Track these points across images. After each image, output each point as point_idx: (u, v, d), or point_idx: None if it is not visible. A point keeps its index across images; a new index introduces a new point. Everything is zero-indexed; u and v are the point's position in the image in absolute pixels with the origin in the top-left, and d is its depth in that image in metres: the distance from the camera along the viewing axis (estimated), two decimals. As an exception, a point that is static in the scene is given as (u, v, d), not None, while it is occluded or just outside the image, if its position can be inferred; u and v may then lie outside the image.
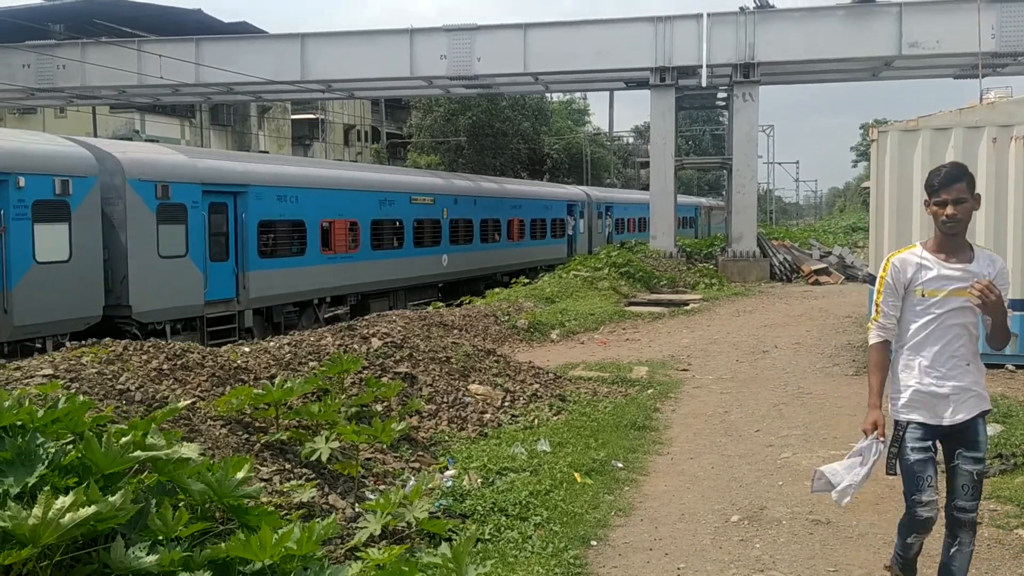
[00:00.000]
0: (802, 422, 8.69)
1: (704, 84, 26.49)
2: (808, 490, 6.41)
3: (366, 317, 11.29)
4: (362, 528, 4.99)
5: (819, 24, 24.83)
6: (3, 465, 3.17)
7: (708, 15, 25.32)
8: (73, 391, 5.26)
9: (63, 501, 2.95)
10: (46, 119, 41.31)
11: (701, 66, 25.30)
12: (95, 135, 32.89)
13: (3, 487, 3.06)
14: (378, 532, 4.70)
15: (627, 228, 41.51)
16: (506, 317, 15.56)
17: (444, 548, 3.91)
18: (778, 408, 9.38)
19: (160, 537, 3.47)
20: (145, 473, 4.06)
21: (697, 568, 5.12)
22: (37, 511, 2.95)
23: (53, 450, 3.43)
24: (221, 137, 48.87)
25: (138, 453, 3.64)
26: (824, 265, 26.14)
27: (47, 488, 3.36)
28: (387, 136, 59.55)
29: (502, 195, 29.64)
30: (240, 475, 4.09)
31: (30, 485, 3.19)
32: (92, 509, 3.01)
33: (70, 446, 3.74)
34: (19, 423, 3.53)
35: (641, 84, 27.78)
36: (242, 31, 33.96)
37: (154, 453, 3.72)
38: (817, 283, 24.31)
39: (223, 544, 3.56)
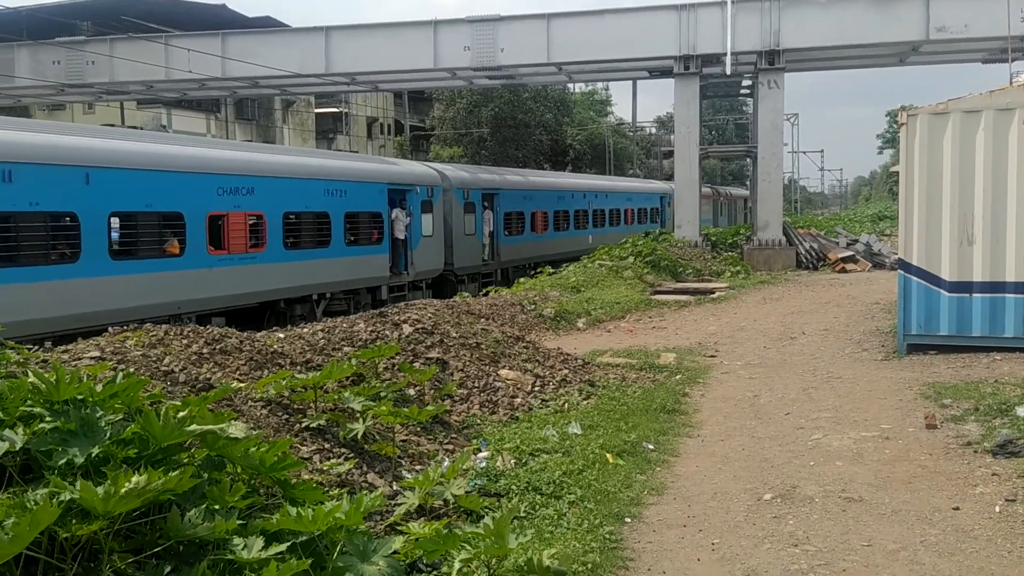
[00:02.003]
0: (832, 405, 8.71)
1: (728, 72, 26.30)
2: (840, 470, 6.49)
3: (397, 304, 11.40)
4: (401, 505, 5.11)
5: (845, 9, 24.60)
6: (68, 436, 3.30)
7: (732, 2, 25.17)
8: (120, 372, 5.42)
9: (137, 480, 3.08)
10: (75, 114, 41.89)
11: (726, 54, 25.14)
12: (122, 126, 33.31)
13: (68, 456, 3.19)
14: (415, 506, 4.80)
15: (532, 226, 28.60)
16: (532, 306, 15.65)
17: (487, 520, 4.02)
18: (807, 392, 9.40)
19: (215, 507, 3.60)
20: (194, 449, 4.21)
21: (731, 543, 5.19)
22: (108, 486, 3.08)
23: (112, 424, 3.57)
24: (246, 131, 49.30)
25: (193, 427, 3.78)
26: (851, 253, 25.96)
27: (111, 463, 3.52)
28: (410, 129, 59.77)
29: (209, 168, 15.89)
30: (282, 453, 4.24)
31: (93, 456, 3.33)
32: (159, 480, 3.14)
33: (126, 421, 3.89)
34: (79, 397, 3.66)
35: (665, 73, 27.71)
36: (266, 25, 34.22)
37: (208, 427, 3.85)
38: (844, 271, 24.16)
39: (276, 516, 3.69)
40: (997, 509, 5.56)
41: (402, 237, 20.85)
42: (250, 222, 16.24)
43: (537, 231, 29.08)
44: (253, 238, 16.33)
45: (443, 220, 22.88)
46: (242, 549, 3.43)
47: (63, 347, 6.16)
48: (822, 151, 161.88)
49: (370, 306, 18.66)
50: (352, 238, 19.20)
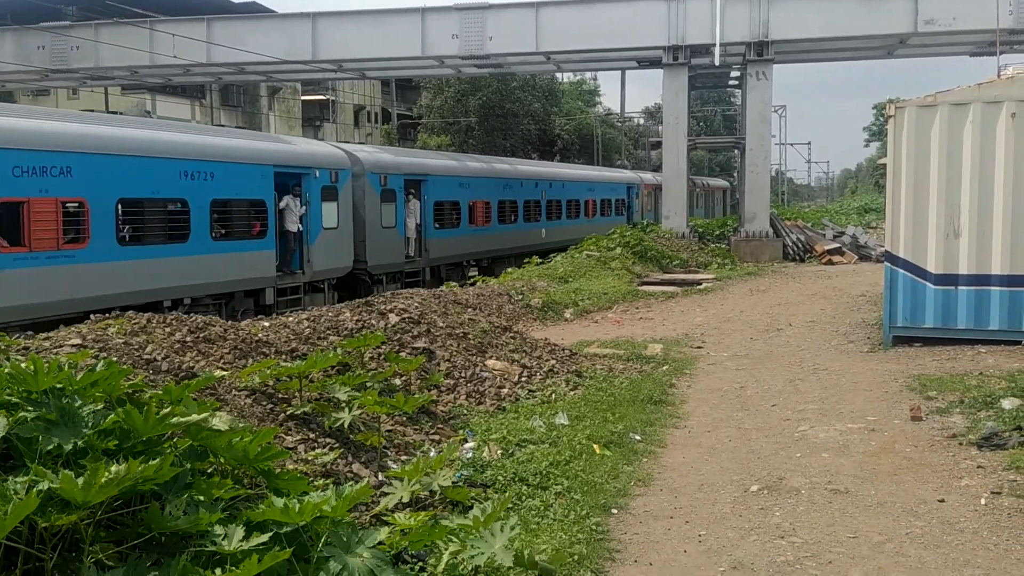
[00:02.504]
0: (818, 397, 8.73)
1: (717, 63, 26.29)
2: (826, 461, 6.50)
3: (383, 294, 11.34)
4: (387, 496, 5.07)
5: (834, 1, 24.56)
6: (48, 425, 3.24)
7: (721, -7, 25.12)
8: (101, 360, 5.35)
9: (116, 470, 3.02)
10: (59, 100, 41.44)
11: (714, 44, 25.10)
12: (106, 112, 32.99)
13: (51, 445, 3.13)
14: (407, 499, 4.76)
15: (471, 218, 25.03)
16: (520, 296, 15.61)
17: (476, 511, 3.98)
18: (794, 384, 9.42)
19: (199, 498, 3.55)
20: (176, 438, 4.15)
21: (718, 535, 5.18)
22: (88, 476, 3.03)
23: (92, 413, 3.51)
24: (231, 118, 48.93)
25: (175, 419, 3.72)
26: (837, 245, 26.05)
27: (91, 455, 3.47)
28: (397, 117, 59.49)
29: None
30: (267, 443, 4.19)
31: (75, 446, 3.27)
32: (137, 470, 3.09)
33: (106, 410, 3.83)
34: (59, 386, 3.60)
35: (653, 63, 27.63)
36: (252, 11, 33.92)
37: (190, 419, 3.79)
38: (830, 263, 24.24)
39: (260, 507, 3.65)
40: (982, 501, 5.58)
41: (295, 230, 17.44)
42: (66, 211, 13.00)
43: (477, 223, 25.09)
44: (70, 232, 13.10)
45: (352, 210, 19.30)
46: (223, 539, 3.38)
47: (44, 334, 6.08)
48: (809, 143, 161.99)
49: (252, 312, 15.83)
50: (222, 231, 15.80)
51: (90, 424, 3.39)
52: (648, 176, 43.95)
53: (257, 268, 16.45)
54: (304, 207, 17.59)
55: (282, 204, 17.17)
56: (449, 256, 23.89)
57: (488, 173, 26.57)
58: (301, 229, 17.61)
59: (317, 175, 18.05)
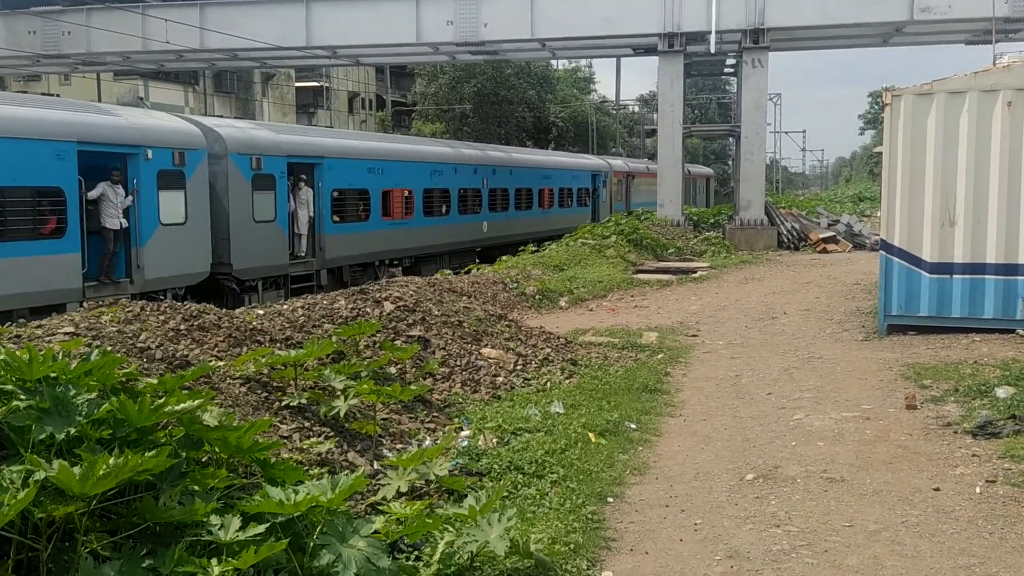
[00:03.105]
0: (813, 385, 8.74)
1: (713, 50, 26.19)
2: (822, 450, 6.51)
3: (379, 282, 11.30)
4: (383, 485, 5.06)
5: (830, -11, 24.52)
6: (42, 414, 3.21)
7: (718, -21, 25.01)
8: (95, 348, 5.31)
9: (114, 462, 3.00)
10: (51, 86, 41.15)
11: (710, 32, 25.01)
12: (99, 102, 32.77)
13: (45, 434, 3.11)
14: (405, 489, 4.75)
15: (385, 209, 20.80)
16: (515, 284, 15.59)
17: (471, 500, 3.97)
18: (789, 372, 9.43)
19: (194, 488, 3.53)
20: (171, 427, 4.13)
21: (714, 523, 5.19)
22: (86, 468, 3.00)
23: (86, 402, 3.48)
24: (225, 104, 48.67)
25: (169, 409, 3.70)
26: (832, 233, 26.06)
27: (85, 444, 3.44)
28: (392, 104, 59.25)
29: None
30: (260, 434, 4.17)
31: (69, 435, 3.25)
32: (136, 462, 3.06)
33: (100, 399, 3.80)
34: (52, 375, 3.57)
35: (649, 51, 27.53)
36: (246, -4, 33.62)
37: (184, 407, 3.76)
38: (825, 251, 24.26)
39: (256, 498, 3.63)
40: (977, 490, 5.59)
41: (116, 227, 13.50)
42: None
43: (394, 216, 20.99)
44: None
45: (210, 200, 15.38)
46: (219, 530, 3.36)
47: (37, 322, 6.04)
48: (804, 131, 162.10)
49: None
50: None
51: (84, 413, 3.36)
52: (618, 162, 39.88)
53: (49, 278, 12.43)
54: (131, 197, 13.76)
55: (94, 193, 13.29)
56: (355, 255, 19.54)
57: (409, 156, 22.29)
58: (125, 225, 13.66)
59: (150, 156, 14.02)
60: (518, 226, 27.73)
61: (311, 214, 18.08)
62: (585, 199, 33.90)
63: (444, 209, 23.56)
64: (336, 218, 18.95)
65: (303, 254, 17.95)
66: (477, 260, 23.60)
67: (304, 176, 18.02)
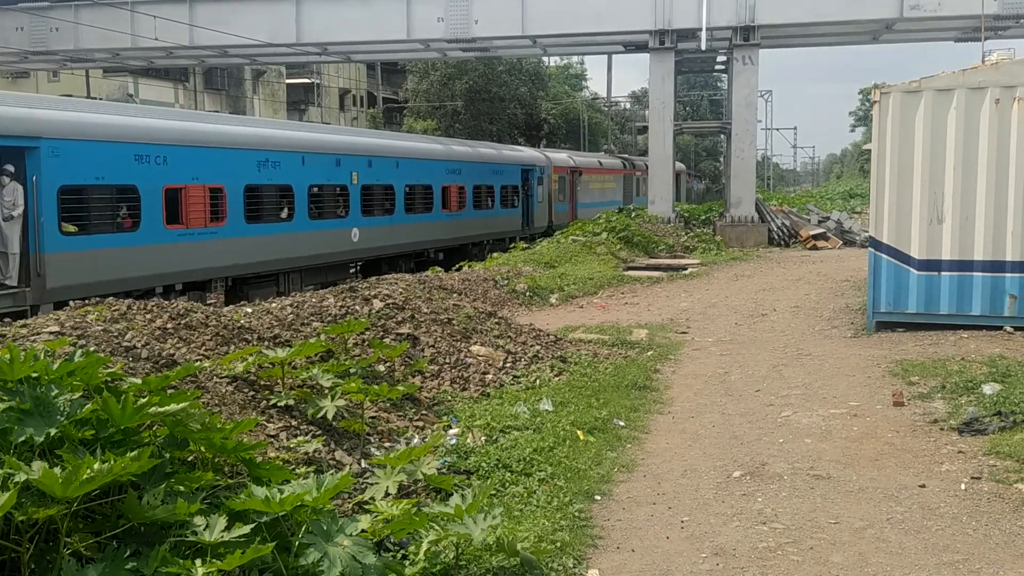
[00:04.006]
0: (801, 382, 8.77)
1: (704, 47, 26.23)
2: (809, 447, 6.53)
3: (368, 279, 11.27)
4: (371, 484, 5.05)
5: (820, -14, 24.56)
6: (22, 415, 3.20)
7: (708, -23, 25.02)
8: (80, 348, 5.29)
9: (99, 467, 2.99)
10: (39, 82, 40.93)
11: (701, 29, 25.02)
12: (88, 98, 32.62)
13: (25, 436, 3.09)
14: (394, 489, 4.74)
15: (174, 215, 14.88)
16: (505, 281, 15.59)
17: (456, 499, 3.97)
18: (777, 369, 9.45)
19: (179, 488, 3.52)
20: (156, 427, 4.11)
21: (700, 521, 5.20)
22: (70, 471, 2.99)
23: (69, 403, 3.46)
24: (215, 101, 48.50)
25: (153, 410, 3.68)
26: (822, 230, 26.14)
27: (67, 445, 3.42)
28: (383, 101, 59.13)
29: None
30: (245, 433, 4.16)
31: (50, 437, 3.23)
32: (118, 466, 3.05)
33: (83, 399, 3.79)
34: (34, 375, 3.55)
35: (640, 47, 27.55)
36: (236, -7, 33.48)
37: (168, 409, 3.75)
38: (815, 248, 24.33)
39: (241, 497, 3.62)
40: (962, 487, 5.62)
41: None
42: None
43: (189, 223, 15.02)
44: None
45: None
46: (204, 530, 3.35)
47: (22, 321, 6.00)
48: (795, 128, 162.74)
49: None
50: None
51: (66, 414, 3.34)
52: (560, 156, 34.14)
53: None
54: None
55: None
56: (109, 281, 13.28)
57: (216, 141, 15.90)
58: None
59: None
60: (411, 233, 21.99)
61: (23, 220, 12.42)
62: (513, 199, 28.19)
63: (285, 212, 17.58)
64: (71, 228, 13.08)
65: (7, 282, 12.39)
66: (351, 277, 19.04)
67: (10, 166, 12.46)
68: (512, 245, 23.82)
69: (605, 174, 37.52)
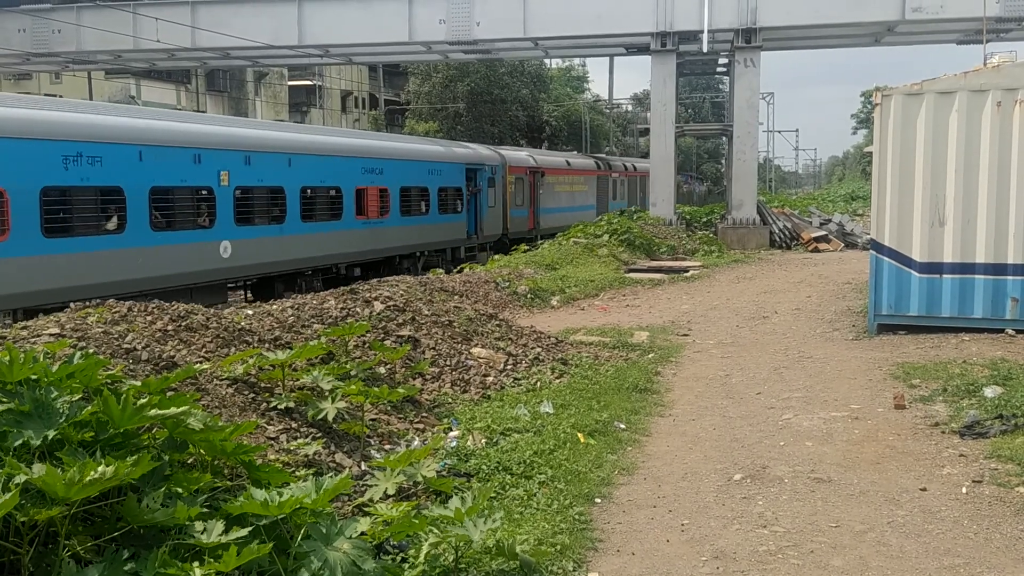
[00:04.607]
0: (803, 385, 8.75)
1: (705, 50, 26.27)
2: (810, 450, 6.52)
3: (369, 281, 11.27)
4: (371, 486, 5.05)
5: (822, -12, 24.56)
6: (21, 417, 3.20)
7: (710, -21, 25.03)
8: (80, 350, 5.28)
9: (104, 469, 2.98)
10: (41, 84, 41.00)
11: (702, 31, 25.05)
12: (91, 100, 32.65)
13: (23, 438, 3.09)
14: (392, 490, 4.74)
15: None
16: (506, 283, 15.58)
17: (456, 502, 3.96)
18: (779, 372, 9.44)
19: (178, 491, 3.51)
20: (155, 429, 4.11)
21: (701, 524, 5.19)
22: (74, 473, 2.99)
23: (68, 405, 3.46)
24: (217, 103, 48.55)
25: (154, 412, 3.68)
26: (824, 232, 26.12)
27: (66, 447, 3.42)
28: (385, 103, 59.17)
29: None
30: (245, 435, 4.15)
31: (49, 439, 3.23)
32: (114, 469, 3.05)
33: (83, 401, 3.79)
34: (34, 377, 3.55)
35: (642, 50, 27.54)
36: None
37: (168, 412, 3.74)
38: (817, 250, 24.31)
39: (240, 500, 3.62)
40: (963, 490, 5.61)
41: None
42: None
43: None
44: None
45: None
46: (202, 533, 3.35)
47: (22, 323, 6.00)
48: (797, 130, 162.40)
49: None
50: None
51: (65, 416, 3.34)
52: (519, 155, 29.73)
53: None
54: None
55: None
56: None
57: (13, 130, 12.09)
58: None
59: None
60: (311, 245, 17.81)
61: None
62: (455, 204, 23.49)
63: (114, 223, 13.49)
64: None
65: None
66: (232, 303, 15.74)
67: None
68: (470, 261, 21.49)
69: (574, 175, 33.14)
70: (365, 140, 21.97)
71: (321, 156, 18.29)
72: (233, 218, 15.73)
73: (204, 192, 15.36)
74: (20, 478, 3.13)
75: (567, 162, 33.14)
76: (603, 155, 41.49)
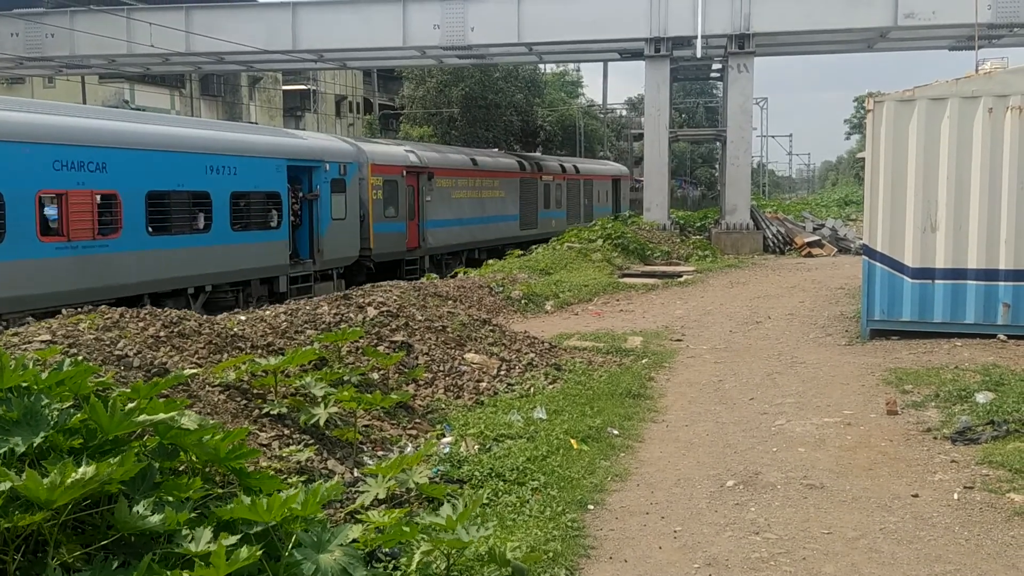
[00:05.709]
0: (795, 391, 8.76)
1: (699, 55, 26.31)
2: (802, 456, 6.52)
3: (363, 287, 11.25)
4: (363, 492, 5.04)
5: (815, -6, 24.67)
6: (9, 425, 3.18)
7: (703, -15, 25.11)
8: (71, 357, 5.26)
9: (84, 471, 2.97)
10: (35, 89, 40.89)
11: (696, 37, 25.11)
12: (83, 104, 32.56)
13: (9, 446, 3.07)
14: (383, 496, 4.73)
15: None
16: (500, 288, 15.58)
17: (447, 509, 3.96)
18: (772, 377, 9.45)
19: (168, 498, 3.50)
20: (146, 436, 4.09)
21: (693, 531, 5.19)
22: (55, 476, 2.97)
23: (58, 412, 3.45)
24: (211, 108, 48.48)
25: (143, 418, 3.66)
26: (817, 237, 26.21)
27: (53, 455, 3.40)
28: (379, 107, 59.15)
29: None
30: (238, 442, 4.14)
31: (35, 445, 3.21)
32: (94, 469, 3.03)
33: (73, 409, 3.77)
34: (24, 384, 3.54)
35: (636, 55, 27.62)
36: (232, -1, 33.57)
37: (158, 417, 3.73)
38: (810, 255, 24.38)
39: (229, 506, 3.60)
40: (955, 496, 5.62)
41: None
42: None
43: None
44: None
45: None
46: (190, 541, 3.33)
47: (13, 330, 5.98)
48: (790, 135, 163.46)
49: None
50: None
51: (54, 423, 3.32)
52: (392, 151, 22.07)
53: None
54: None
55: None
56: None
57: None
58: None
59: None
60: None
61: None
62: (270, 216, 16.59)
63: None
64: None
65: None
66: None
67: None
68: (301, 294, 16.25)
69: (483, 177, 25.57)
70: (69, 117, 13.32)
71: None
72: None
73: None
74: (5, 484, 3.11)
75: (472, 160, 25.74)
76: (533, 154, 34.60)
